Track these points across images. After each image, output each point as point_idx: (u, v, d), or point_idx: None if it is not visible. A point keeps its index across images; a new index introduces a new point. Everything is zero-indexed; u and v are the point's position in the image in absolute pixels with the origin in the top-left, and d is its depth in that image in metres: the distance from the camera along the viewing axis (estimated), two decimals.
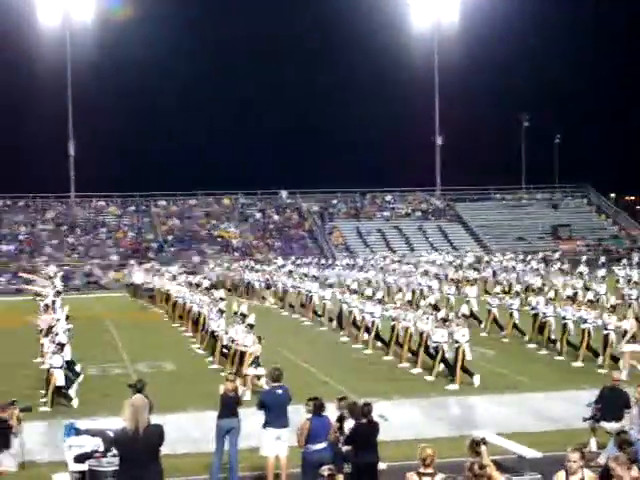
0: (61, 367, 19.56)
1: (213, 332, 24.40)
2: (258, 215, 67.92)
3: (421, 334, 22.91)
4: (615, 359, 22.13)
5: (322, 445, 12.42)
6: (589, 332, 23.21)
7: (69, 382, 19.96)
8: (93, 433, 13.09)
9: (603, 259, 43.45)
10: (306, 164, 66.89)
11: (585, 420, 15.15)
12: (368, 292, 27.86)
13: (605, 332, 22.47)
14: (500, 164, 68.17)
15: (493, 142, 68.85)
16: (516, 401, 19.28)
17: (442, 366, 21.64)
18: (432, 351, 22.08)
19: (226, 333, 22.73)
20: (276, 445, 13.45)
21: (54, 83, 64.05)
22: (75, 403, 19.29)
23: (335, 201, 70.26)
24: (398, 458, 14.13)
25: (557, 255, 47.82)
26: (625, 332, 22.26)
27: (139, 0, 65.86)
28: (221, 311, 24.34)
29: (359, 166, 67.70)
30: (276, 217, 67.86)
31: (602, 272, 37.31)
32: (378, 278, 39.38)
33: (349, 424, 12.72)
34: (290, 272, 39.90)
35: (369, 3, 68.82)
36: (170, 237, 63.75)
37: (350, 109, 71.20)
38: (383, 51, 68.44)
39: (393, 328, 24.52)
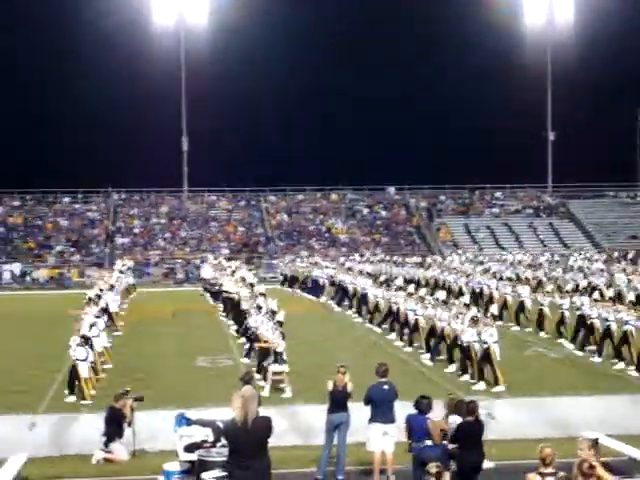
0: (85, 359, 19.66)
1: (248, 328, 24.42)
2: (365, 211, 67.97)
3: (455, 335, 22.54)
4: None
5: (427, 443, 12.39)
6: (631, 333, 22.51)
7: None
8: (203, 423, 13.32)
9: None
10: (415, 160, 66.43)
11: None
12: (410, 289, 27.62)
13: None
14: (615, 161, 66.39)
15: (607, 138, 67.08)
16: (623, 402, 18.79)
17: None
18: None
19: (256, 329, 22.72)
20: (382, 440, 13.46)
21: (169, 81, 65.40)
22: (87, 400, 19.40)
23: (443, 197, 69.76)
24: (506, 457, 14.01)
25: (631, 255, 46.75)
26: None
27: (252, 2, 66.61)
28: (259, 307, 24.20)
29: (468, 162, 66.85)
30: (383, 213, 67.77)
31: None
32: (441, 277, 38.68)
33: (454, 422, 12.70)
34: (349, 269, 39.57)
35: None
36: (278, 232, 64.43)
37: (459, 105, 70.41)
38: (494, 46, 67.49)
39: (432, 327, 24.28)
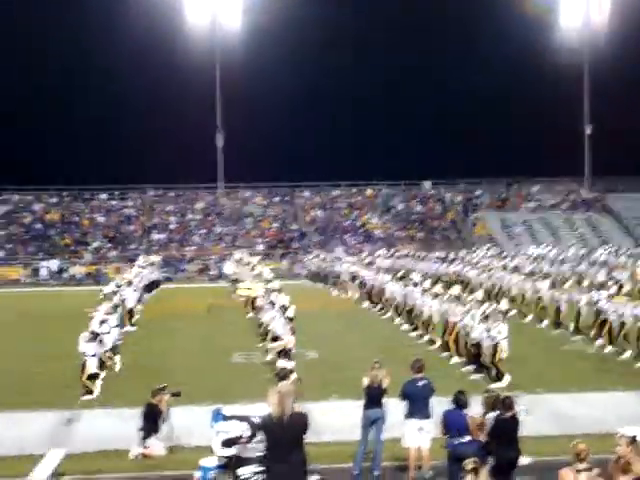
0: (94, 355, 19.83)
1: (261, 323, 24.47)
2: (401, 206, 67.80)
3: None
4: None
5: (463, 439, 12.32)
6: None
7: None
8: (240, 419, 13.34)
9: None
10: (450, 154, 66.15)
11: None
12: (426, 284, 27.51)
13: None
14: None
15: None
16: None
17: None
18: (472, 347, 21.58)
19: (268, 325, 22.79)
20: (418, 436, 13.41)
21: (203, 78, 65.62)
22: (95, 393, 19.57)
23: (479, 192, 69.41)
24: (542, 453, 13.91)
25: None
26: None
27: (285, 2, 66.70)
28: (272, 303, 24.21)
29: (504, 156, 66.48)
30: (419, 208, 67.57)
31: None
32: (463, 272, 38.39)
33: (490, 418, 12.62)
34: (369, 264, 39.35)
35: None
36: (313, 228, 64.45)
37: (494, 97, 70.05)
38: (529, 39, 67.02)
39: (446, 322, 24.15)
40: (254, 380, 19.86)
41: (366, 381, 14.19)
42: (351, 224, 65.06)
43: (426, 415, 13.54)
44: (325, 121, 69.21)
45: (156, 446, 15.41)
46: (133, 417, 16.11)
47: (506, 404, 12.23)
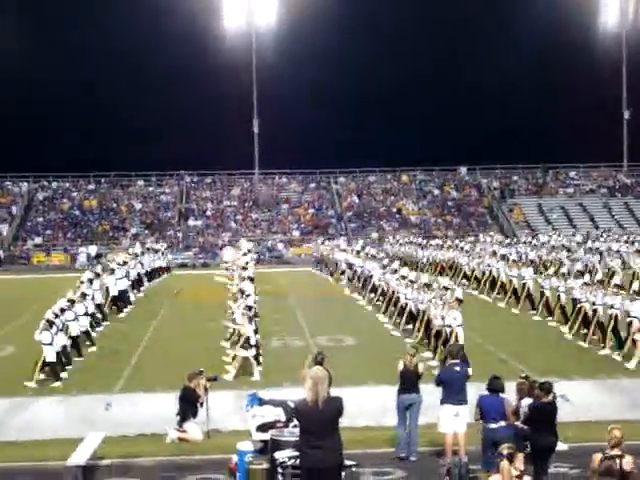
0: (50, 344, 19.53)
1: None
2: (437, 192, 67.58)
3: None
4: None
5: (498, 424, 12.32)
6: (616, 317, 21.54)
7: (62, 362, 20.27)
8: (275, 403, 13.45)
9: None
10: (486, 139, 65.74)
11: None
12: (404, 272, 26.53)
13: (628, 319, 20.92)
14: None
15: None
16: None
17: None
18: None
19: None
20: (454, 422, 13.42)
21: (240, 64, 65.76)
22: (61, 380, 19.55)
23: (516, 177, 68.96)
24: (580, 439, 13.86)
25: None
26: None
27: None
28: (241, 291, 23.84)
29: (541, 141, 65.98)
30: (455, 194, 67.30)
31: None
32: (456, 259, 38.00)
33: (526, 404, 12.61)
34: (358, 252, 38.73)
35: None
36: (349, 213, 64.45)
37: (531, 84, 69.55)
38: (566, 24, 66.33)
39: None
40: (290, 365, 19.92)
41: (401, 365, 14.23)
42: (386, 210, 64.97)
43: (462, 400, 13.52)
44: (359, 107, 69.05)
45: (193, 430, 15.53)
46: (170, 401, 16.26)
47: (545, 389, 12.20)
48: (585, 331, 23.15)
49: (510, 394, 13.07)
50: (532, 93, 68.85)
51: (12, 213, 62.96)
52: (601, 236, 47.79)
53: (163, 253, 45.56)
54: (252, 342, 19.94)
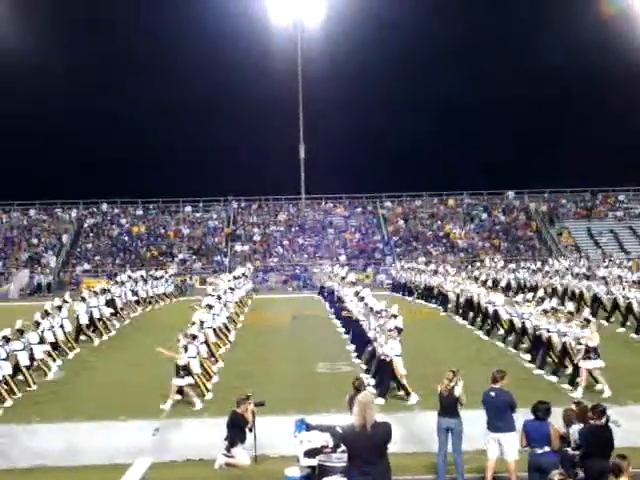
0: (23, 349, 21.25)
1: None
2: (484, 216, 67.20)
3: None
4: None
5: (543, 449, 12.14)
6: (570, 345, 21.06)
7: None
8: (322, 429, 13.41)
9: None
10: (533, 163, 65.34)
11: None
12: (368, 299, 25.72)
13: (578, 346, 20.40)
14: None
15: None
16: None
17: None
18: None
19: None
20: (496, 447, 13.27)
21: (286, 90, 66.11)
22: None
23: (564, 201, 68.38)
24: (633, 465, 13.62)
25: None
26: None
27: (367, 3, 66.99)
28: (209, 306, 24.93)
29: (589, 164, 65.39)
30: (502, 217, 66.88)
31: None
32: (444, 286, 37.60)
33: (576, 429, 12.42)
34: (343, 278, 37.45)
35: None
36: (396, 238, 64.31)
37: (578, 107, 69.07)
38: (613, 45, 65.82)
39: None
40: (337, 390, 19.83)
41: (439, 388, 14.21)
42: (433, 234, 64.74)
43: (500, 428, 13.28)
44: (406, 131, 69.03)
45: (241, 455, 15.52)
46: (219, 426, 16.28)
47: (597, 411, 12.00)
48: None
49: (557, 419, 12.88)
50: (578, 117, 68.33)
51: (62, 240, 63.70)
52: (603, 261, 47.26)
53: (167, 280, 46.38)
54: (194, 370, 20.20)
